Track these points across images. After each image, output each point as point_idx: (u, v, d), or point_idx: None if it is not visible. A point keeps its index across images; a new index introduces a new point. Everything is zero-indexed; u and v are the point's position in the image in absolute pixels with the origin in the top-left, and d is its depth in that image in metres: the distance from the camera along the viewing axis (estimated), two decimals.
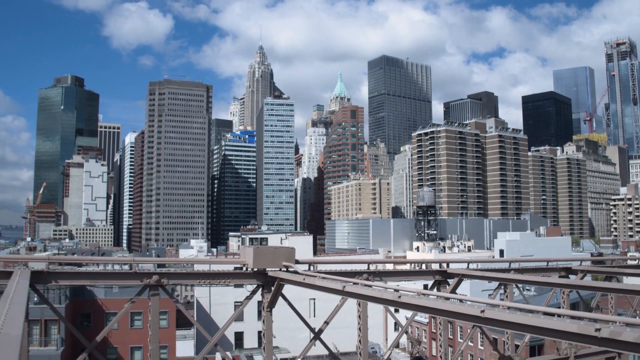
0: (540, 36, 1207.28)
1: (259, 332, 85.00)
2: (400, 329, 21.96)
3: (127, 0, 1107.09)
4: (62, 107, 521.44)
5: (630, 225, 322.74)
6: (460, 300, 9.81)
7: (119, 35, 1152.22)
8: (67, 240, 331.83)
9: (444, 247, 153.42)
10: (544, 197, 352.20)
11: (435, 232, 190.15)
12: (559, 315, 8.33)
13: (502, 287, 21.54)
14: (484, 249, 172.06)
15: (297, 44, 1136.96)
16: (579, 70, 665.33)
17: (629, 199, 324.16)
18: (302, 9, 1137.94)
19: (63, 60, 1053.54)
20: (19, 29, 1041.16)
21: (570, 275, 24.89)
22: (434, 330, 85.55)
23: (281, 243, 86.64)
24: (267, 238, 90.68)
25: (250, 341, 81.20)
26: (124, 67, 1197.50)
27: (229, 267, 16.91)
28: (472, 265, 25.36)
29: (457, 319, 8.89)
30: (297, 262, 16.07)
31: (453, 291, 18.90)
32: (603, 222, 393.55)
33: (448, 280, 18.88)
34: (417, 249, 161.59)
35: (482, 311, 8.27)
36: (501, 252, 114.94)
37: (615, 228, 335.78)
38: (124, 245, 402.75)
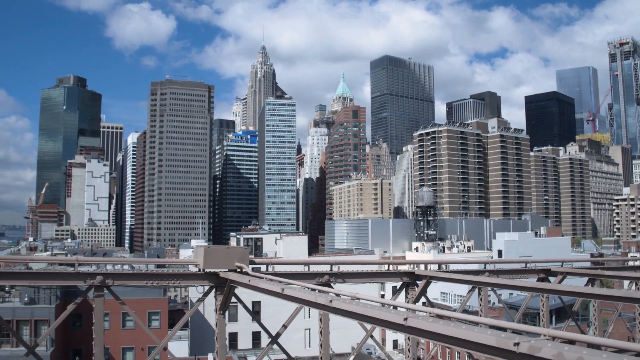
0: (543, 36, 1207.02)
1: (253, 333, 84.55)
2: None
3: (130, 1, 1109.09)
4: (64, 108, 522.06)
5: (633, 226, 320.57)
6: (395, 307, 9.24)
7: (121, 36, 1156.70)
8: (69, 240, 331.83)
9: (444, 248, 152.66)
10: (546, 197, 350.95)
11: (434, 232, 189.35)
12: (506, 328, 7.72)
13: (478, 289, 20.89)
14: (484, 249, 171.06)
15: (299, 45, 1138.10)
16: (582, 70, 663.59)
17: (632, 199, 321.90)
18: (304, 9, 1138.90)
19: (65, 60, 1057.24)
20: (22, 29, 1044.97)
21: (550, 278, 24.25)
22: None
23: (275, 243, 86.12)
24: (261, 238, 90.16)
25: (244, 342, 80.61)
26: (126, 67, 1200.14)
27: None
28: (454, 267, 24.77)
29: (381, 325, 8.30)
30: (253, 262, 15.48)
31: (421, 293, 18.28)
32: (606, 222, 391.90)
33: (417, 282, 18.25)
34: (417, 249, 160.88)
35: (405, 319, 7.68)
36: (499, 253, 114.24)
37: (618, 228, 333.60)
38: (126, 245, 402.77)
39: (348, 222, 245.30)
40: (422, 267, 19.20)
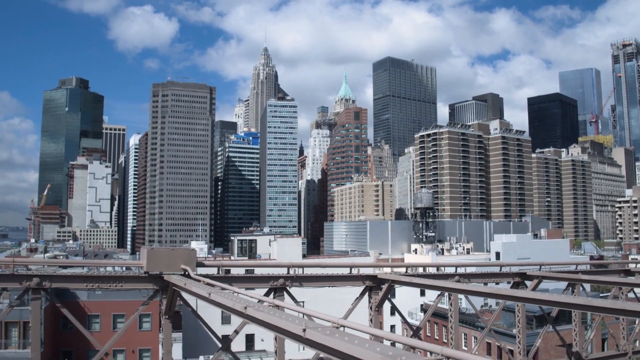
0: (545, 38, 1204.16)
1: (247, 336, 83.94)
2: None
3: (133, 4, 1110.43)
4: (66, 109, 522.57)
5: (636, 228, 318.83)
6: (310, 316, 8.69)
7: (124, 38, 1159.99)
8: (70, 241, 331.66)
9: (442, 250, 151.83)
10: (548, 199, 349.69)
11: (433, 234, 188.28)
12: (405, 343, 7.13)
13: (448, 294, 20.28)
14: (483, 251, 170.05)
15: (301, 47, 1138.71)
16: (585, 71, 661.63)
17: (635, 201, 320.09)
18: (306, 12, 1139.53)
19: (68, 63, 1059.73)
20: (24, 31, 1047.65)
21: (526, 282, 23.62)
22: (429, 334, 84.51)
23: (269, 245, 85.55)
24: (256, 240, 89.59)
25: (237, 344, 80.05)
26: (129, 69, 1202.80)
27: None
28: (432, 270, 24.15)
29: (282, 334, 7.77)
30: (202, 265, 14.95)
31: (384, 298, 17.72)
32: (608, 224, 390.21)
33: (381, 285, 17.69)
34: (415, 251, 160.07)
35: (304, 330, 7.13)
36: (497, 255, 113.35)
37: (620, 230, 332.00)
38: (128, 246, 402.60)
39: (347, 224, 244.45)
40: (386, 270, 18.58)
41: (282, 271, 16.38)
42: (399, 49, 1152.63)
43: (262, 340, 77.61)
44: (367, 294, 17.73)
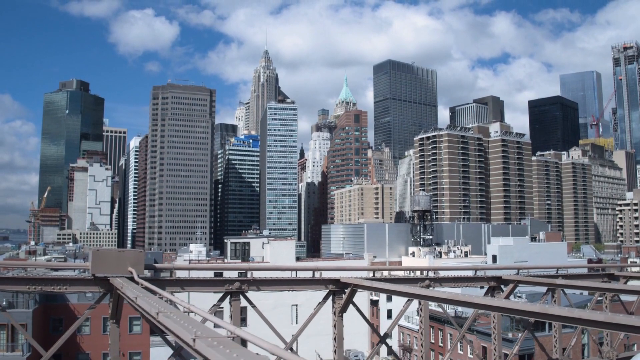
0: (545, 41, 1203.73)
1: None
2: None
3: (133, 7, 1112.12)
4: (67, 112, 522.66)
5: (637, 231, 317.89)
6: (215, 326, 8.22)
7: (125, 41, 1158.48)
8: (70, 244, 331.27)
9: (440, 253, 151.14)
10: (548, 202, 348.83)
11: (431, 237, 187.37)
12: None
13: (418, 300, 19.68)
14: (482, 254, 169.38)
15: (302, 50, 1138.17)
16: (585, 74, 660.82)
17: (635, 204, 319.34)
18: (307, 15, 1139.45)
19: (69, 66, 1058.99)
20: (25, 34, 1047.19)
21: (502, 286, 23.07)
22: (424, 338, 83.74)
23: (262, 248, 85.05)
24: (249, 242, 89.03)
25: None
26: (130, 72, 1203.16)
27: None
28: (408, 274, 23.65)
29: (179, 341, 7.32)
30: (154, 267, 14.47)
31: (347, 303, 17.20)
32: (609, 227, 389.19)
33: (344, 290, 17.17)
34: (413, 254, 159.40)
35: (194, 340, 6.67)
36: (494, 258, 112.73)
37: (621, 233, 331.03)
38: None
39: (344, 227, 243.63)
40: (351, 274, 18.05)
41: (240, 274, 15.92)
42: (399, 52, 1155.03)
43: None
44: (330, 298, 17.22)
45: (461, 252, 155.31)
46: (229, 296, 15.27)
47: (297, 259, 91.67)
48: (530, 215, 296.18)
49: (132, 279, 12.91)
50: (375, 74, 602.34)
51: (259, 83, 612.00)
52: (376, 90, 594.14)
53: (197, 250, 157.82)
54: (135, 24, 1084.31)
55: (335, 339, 17.12)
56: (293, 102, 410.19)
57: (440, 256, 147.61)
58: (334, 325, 17.01)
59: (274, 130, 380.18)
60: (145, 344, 69.49)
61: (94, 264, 13.36)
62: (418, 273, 21.76)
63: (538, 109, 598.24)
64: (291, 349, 15.59)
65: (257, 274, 16.03)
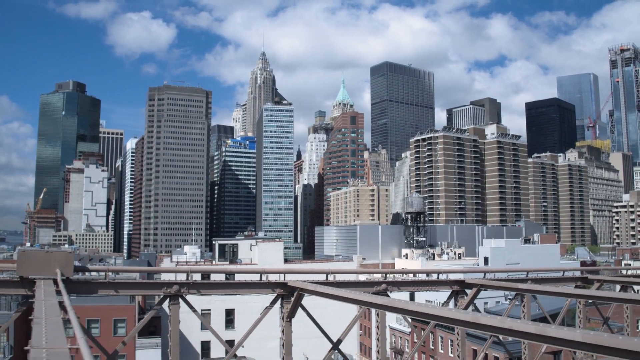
0: (541, 44, 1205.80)
1: (227, 342, 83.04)
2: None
3: (130, 9, 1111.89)
4: (63, 113, 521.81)
5: (633, 233, 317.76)
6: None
7: (122, 43, 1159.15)
8: (66, 245, 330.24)
9: (433, 255, 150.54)
10: (544, 204, 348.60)
11: (424, 238, 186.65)
12: None
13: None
14: (476, 256, 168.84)
15: (299, 52, 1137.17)
16: (582, 77, 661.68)
17: (632, 206, 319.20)
18: (303, 18, 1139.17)
19: (66, 67, 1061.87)
20: (22, 35, 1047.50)
21: (467, 290, 22.52)
22: (416, 340, 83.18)
23: (250, 249, 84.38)
24: (237, 244, 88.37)
25: (217, 351, 78.90)
26: (127, 74, 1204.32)
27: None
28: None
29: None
30: (86, 269, 13.89)
31: (294, 307, 16.61)
32: (605, 229, 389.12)
33: (292, 293, 16.57)
34: (406, 256, 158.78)
35: (77, 350, 6.16)
36: (485, 260, 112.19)
37: (617, 235, 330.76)
38: (124, 251, 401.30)
39: (337, 229, 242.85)
40: (294, 277, 17.46)
41: (182, 277, 15.32)
42: (396, 55, 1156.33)
43: (243, 347, 76.71)
44: (279, 302, 16.63)
45: (454, 254, 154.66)
46: (167, 299, 14.70)
47: (286, 260, 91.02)
48: (526, 217, 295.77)
49: (55, 281, 12.36)
50: (372, 76, 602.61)
51: (256, 85, 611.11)
52: (373, 92, 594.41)
53: (191, 251, 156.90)
54: (132, 26, 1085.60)
55: (283, 345, 16.56)
56: (290, 104, 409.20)
57: (434, 258, 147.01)
58: (282, 331, 16.44)
59: (271, 131, 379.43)
60: (130, 345, 68.80)
61: (21, 264, 12.79)
62: (378, 276, 21.11)
63: (535, 111, 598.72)
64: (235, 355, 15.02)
65: (198, 277, 15.48)
